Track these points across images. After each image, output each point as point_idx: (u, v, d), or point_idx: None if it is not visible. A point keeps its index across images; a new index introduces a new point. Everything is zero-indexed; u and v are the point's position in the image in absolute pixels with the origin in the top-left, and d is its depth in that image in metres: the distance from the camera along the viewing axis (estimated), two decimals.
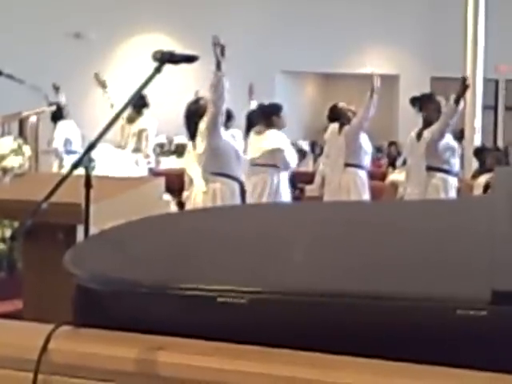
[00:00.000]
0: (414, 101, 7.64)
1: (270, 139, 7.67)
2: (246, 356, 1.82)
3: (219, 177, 6.22)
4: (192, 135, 6.37)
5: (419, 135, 7.42)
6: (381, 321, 1.81)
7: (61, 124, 10.38)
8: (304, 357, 1.80)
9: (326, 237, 2.51)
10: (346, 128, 8.96)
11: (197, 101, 6.49)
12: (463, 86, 7.38)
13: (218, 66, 5.88)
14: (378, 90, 8.26)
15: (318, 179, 10.78)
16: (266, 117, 7.90)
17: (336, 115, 9.23)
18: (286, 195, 7.74)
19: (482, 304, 1.72)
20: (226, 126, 6.60)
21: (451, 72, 14.25)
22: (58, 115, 10.21)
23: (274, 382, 1.76)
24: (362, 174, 9.09)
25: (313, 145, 15.89)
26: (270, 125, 7.79)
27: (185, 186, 6.60)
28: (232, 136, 6.51)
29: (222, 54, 5.82)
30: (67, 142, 10.37)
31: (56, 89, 10.43)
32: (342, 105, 9.26)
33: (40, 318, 2.16)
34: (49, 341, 1.94)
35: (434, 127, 7.26)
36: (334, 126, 9.21)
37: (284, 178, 7.78)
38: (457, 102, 7.21)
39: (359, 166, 9.06)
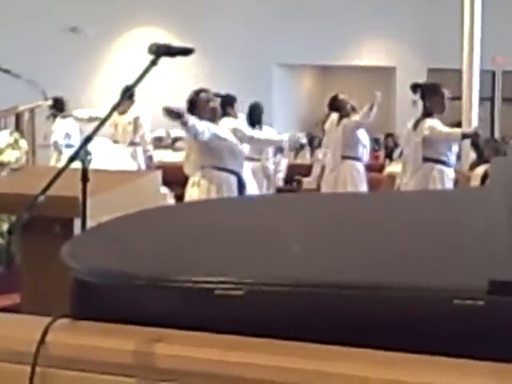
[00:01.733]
0: (416, 88, 7.55)
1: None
2: (244, 347, 1.83)
3: (214, 170, 6.21)
4: None
5: (416, 124, 7.36)
6: (378, 311, 1.81)
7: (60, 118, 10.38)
8: (302, 348, 1.80)
9: (324, 228, 2.51)
10: (344, 121, 9.00)
11: (198, 92, 6.47)
12: (474, 136, 7.56)
13: (185, 124, 5.88)
14: (379, 105, 8.57)
15: (315, 171, 10.82)
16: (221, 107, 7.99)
17: (336, 106, 9.28)
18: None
19: (480, 294, 1.72)
20: (227, 114, 6.68)
21: (448, 64, 14.27)
22: (58, 109, 10.20)
23: (272, 373, 1.77)
24: (360, 167, 9.12)
25: (310, 137, 15.89)
26: (224, 115, 7.87)
27: None
28: (228, 129, 6.47)
29: (179, 116, 5.82)
30: (66, 135, 10.36)
31: (45, 99, 10.34)
32: (342, 97, 9.31)
33: (38, 311, 2.16)
34: (46, 334, 1.94)
35: (436, 131, 7.17)
36: (334, 117, 9.25)
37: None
38: (463, 137, 7.39)
39: (356, 159, 9.09)
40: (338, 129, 9.05)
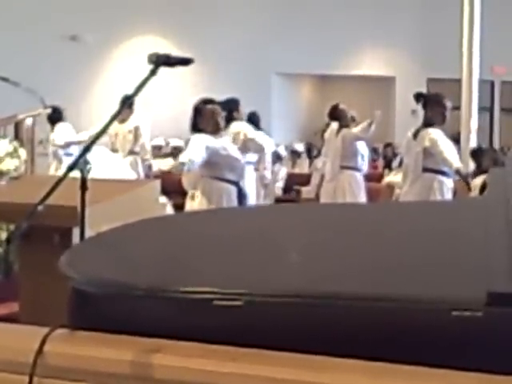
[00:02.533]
0: (419, 97, 7.52)
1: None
2: (242, 358, 1.82)
3: (214, 180, 6.21)
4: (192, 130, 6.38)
5: (416, 134, 7.33)
6: (376, 322, 1.81)
7: (59, 126, 10.38)
8: (300, 359, 1.80)
9: (323, 239, 2.51)
10: (344, 132, 9.03)
11: (205, 102, 6.47)
12: (464, 180, 7.56)
13: (182, 170, 6.08)
14: (378, 123, 8.82)
15: (314, 180, 10.83)
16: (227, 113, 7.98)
17: (336, 115, 9.31)
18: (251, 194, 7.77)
19: (478, 305, 1.72)
20: (234, 118, 6.73)
21: (447, 73, 14.29)
22: (56, 117, 10.20)
23: None
24: (358, 176, 9.14)
25: (308, 147, 15.92)
26: (230, 120, 7.84)
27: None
28: (226, 144, 6.44)
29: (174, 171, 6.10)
30: (66, 144, 10.36)
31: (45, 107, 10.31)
32: (342, 106, 9.34)
33: (36, 321, 2.15)
34: (44, 343, 1.94)
35: (437, 149, 7.11)
36: (334, 126, 9.27)
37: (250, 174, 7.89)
38: (456, 172, 7.34)
39: (355, 169, 9.11)
40: (338, 139, 9.08)
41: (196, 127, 6.32)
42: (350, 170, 9.08)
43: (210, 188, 6.22)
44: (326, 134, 9.60)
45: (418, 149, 7.20)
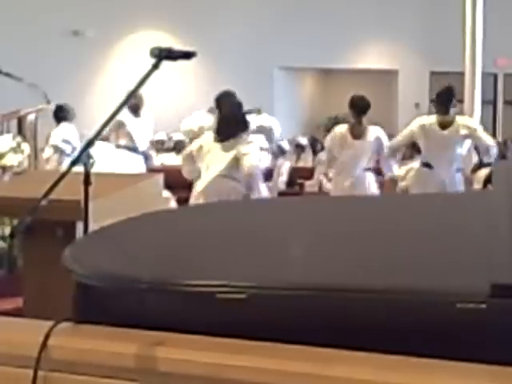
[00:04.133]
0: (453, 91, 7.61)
1: None
2: (246, 351, 1.83)
3: (225, 178, 6.21)
4: None
5: (444, 123, 7.34)
6: (381, 315, 1.81)
7: (62, 126, 10.34)
8: (304, 351, 1.80)
9: (326, 231, 2.51)
10: None
11: (240, 105, 6.51)
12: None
13: None
14: None
15: (317, 174, 10.81)
16: None
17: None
18: None
19: (482, 297, 1.72)
20: None
21: (450, 67, 14.26)
22: (60, 116, 10.16)
23: (273, 376, 1.77)
24: (369, 176, 9.11)
25: (311, 141, 15.89)
26: None
27: None
28: None
29: None
30: (65, 141, 10.29)
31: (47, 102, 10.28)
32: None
33: (40, 315, 2.16)
34: (48, 337, 1.94)
35: (475, 134, 7.26)
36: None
37: None
38: (497, 146, 7.43)
39: (367, 169, 9.09)
40: None
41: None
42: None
43: (218, 185, 6.21)
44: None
45: (464, 132, 7.23)
